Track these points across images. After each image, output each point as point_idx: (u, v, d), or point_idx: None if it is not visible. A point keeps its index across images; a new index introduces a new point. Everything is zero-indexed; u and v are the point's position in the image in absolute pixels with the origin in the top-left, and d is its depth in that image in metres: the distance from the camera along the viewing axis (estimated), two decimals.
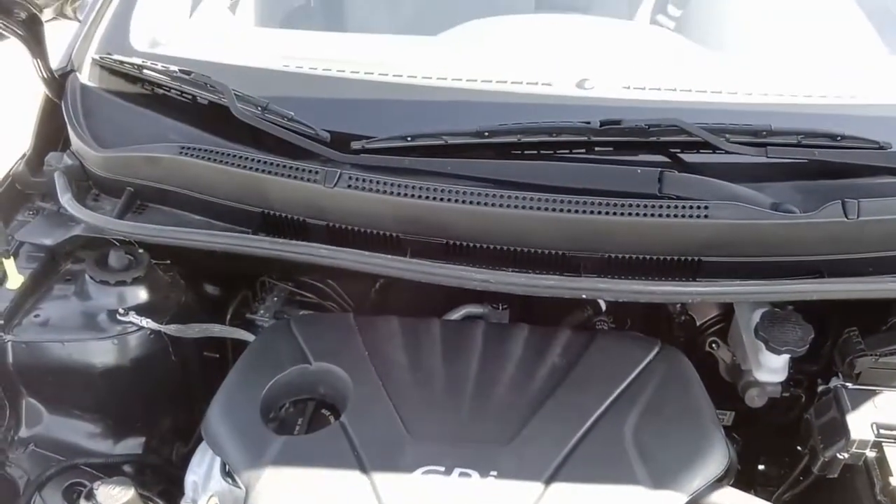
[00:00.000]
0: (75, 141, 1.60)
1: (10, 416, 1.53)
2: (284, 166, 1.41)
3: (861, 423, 1.37)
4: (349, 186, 1.38)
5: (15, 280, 1.54)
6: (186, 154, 1.47)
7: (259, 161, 1.42)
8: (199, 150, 1.46)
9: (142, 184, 1.54)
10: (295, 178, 1.40)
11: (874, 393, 1.41)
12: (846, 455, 1.36)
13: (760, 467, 1.68)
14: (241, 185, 1.44)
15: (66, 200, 1.53)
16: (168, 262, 1.60)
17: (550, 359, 1.40)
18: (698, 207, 1.36)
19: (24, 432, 1.54)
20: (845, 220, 1.34)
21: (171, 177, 1.50)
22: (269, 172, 1.41)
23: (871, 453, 1.36)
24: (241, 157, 1.44)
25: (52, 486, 1.49)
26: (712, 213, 1.35)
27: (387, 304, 1.69)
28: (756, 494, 1.56)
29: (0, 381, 1.51)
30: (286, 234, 1.45)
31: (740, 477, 1.43)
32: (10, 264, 1.54)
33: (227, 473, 1.29)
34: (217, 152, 1.45)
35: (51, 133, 1.72)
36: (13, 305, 1.52)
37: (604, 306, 1.63)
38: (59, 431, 1.54)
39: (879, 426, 1.36)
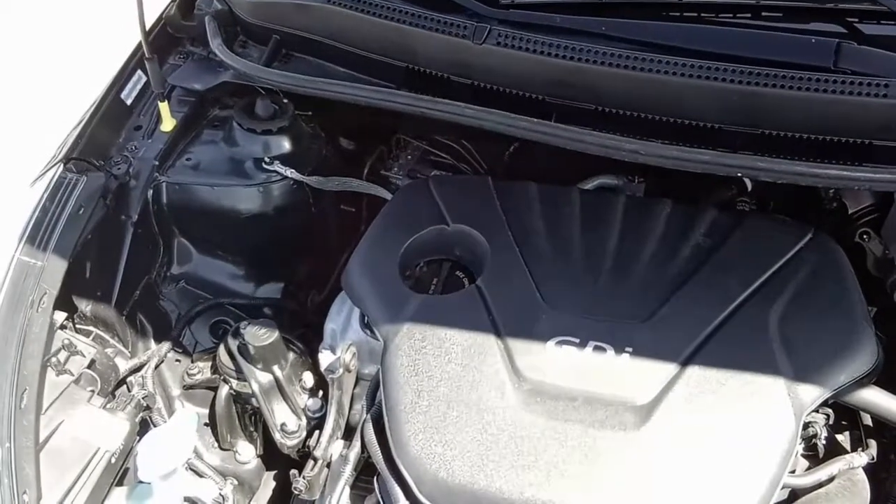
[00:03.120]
0: None
1: (164, 254, 1.51)
2: (432, 19, 1.26)
3: None
4: (498, 43, 1.22)
5: (168, 123, 1.49)
6: (335, 3, 1.33)
7: (407, 13, 1.28)
8: None
9: (289, 31, 1.42)
10: (443, 32, 1.25)
11: None
12: None
13: None
14: (387, 37, 1.31)
15: (217, 46, 1.44)
16: (310, 112, 1.50)
17: (694, 237, 1.24)
18: (877, 85, 1.14)
19: (175, 269, 1.53)
20: None
21: (319, 26, 1.38)
22: (417, 25, 1.26)
23: None
24: (389, 7, 1.29)
25: (200, 321, 1.50)
26: (893, 91, 1.13)
27: (519, 169, 1.56)
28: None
29: (155, 220, 1.48)
30: (430, 90, 1.31)
31: (881, 377, 1.27)
32: (164, 107, 1.48)
33: (366, 325, 1.24)
34: (365, 2, 1.31)
35: None
36: (167, 148, 1.48)
37: (749, 186, 1.44)
38: (206, 271, 1.53)
39: None
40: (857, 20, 1.24)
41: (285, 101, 1.46)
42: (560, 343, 1.11)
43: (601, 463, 1.01)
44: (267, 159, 1.43)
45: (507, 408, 1.06)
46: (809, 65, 1.17)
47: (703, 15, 1.26)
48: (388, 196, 1.44)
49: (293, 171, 1.42)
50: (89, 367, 1.28)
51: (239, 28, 1.51)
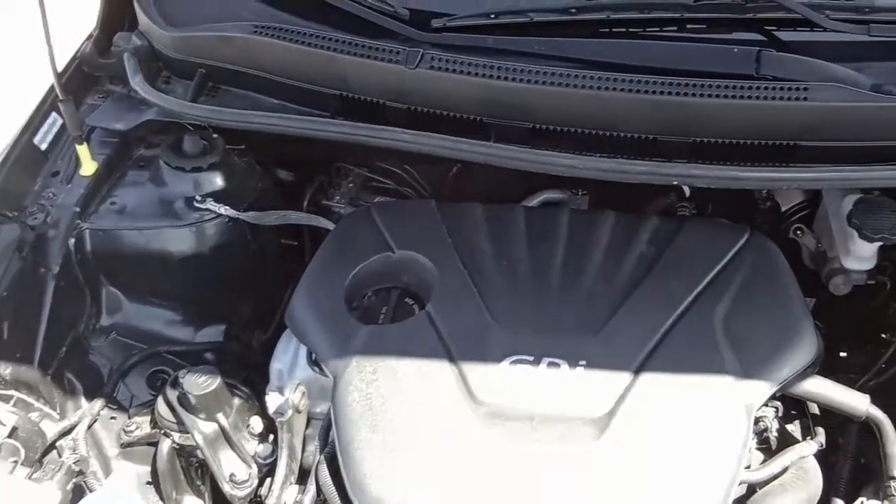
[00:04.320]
0: (143, 20, 1.49)
1: (92, 305, 1.49)
2: (363, 46, 1.30)
3: None
4: (432, 67, 1.27)
5: (89, 166, 1.48)
6: (261, 33, 1.35)
7: (337, 40, 1.31)
8: (274, 29, 1.35)
9: (214, 65, 1.43)
10: (375, 58, 1.29)
11: None
12: None
13: (843, 354, 1.60)
14: (318, 66, 1.34)
15: (137, 83, 1.43)
16: (243, 146, 1.52)
17: (638, 246, 1.32)
18: (797, 89, 1.23)
19: (105, 320, 1.50)
20: None
21: (245, 58, 1.40)
22: (348, 52, 1.30)
23: None
24: (317, 36, 1.32)
25: (135, 373, 1.47)
26: (812, 95, 1.23)
27: (464, 189, 1.60)
28: (838, 381, 1.52)
29: (80, 270, 1.46)
30: (365, 117, 1.35)
31: (822, 364, 1.36)
32: (83, 150, 1.47)
33: (314, 362, 1.25)
34: (292, 31, 1.34)
35: (117, 12, 1.59)
36: (88, 192, 1.46)
37: (687, 192, 1.53)
38: (139, 319, 1.51)
39: None
40: (775, 28, 1.33)
41: (215, 136, 1.47)
42: (514, 362, 1.16)
43: (564, 479, 1.06)
44: (198, 197, 1.43)
45: (465, 434, 1.09)
46: (734, 73, 1.26)
47: (631, 30, 1.34)
48: (331, 226, 1.46)
49: (227, 207, 1.42)
50: (10, 435, 1.24)
51: (161, 63, 1.52)
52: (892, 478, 1.22)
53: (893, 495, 1.20)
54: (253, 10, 1.42)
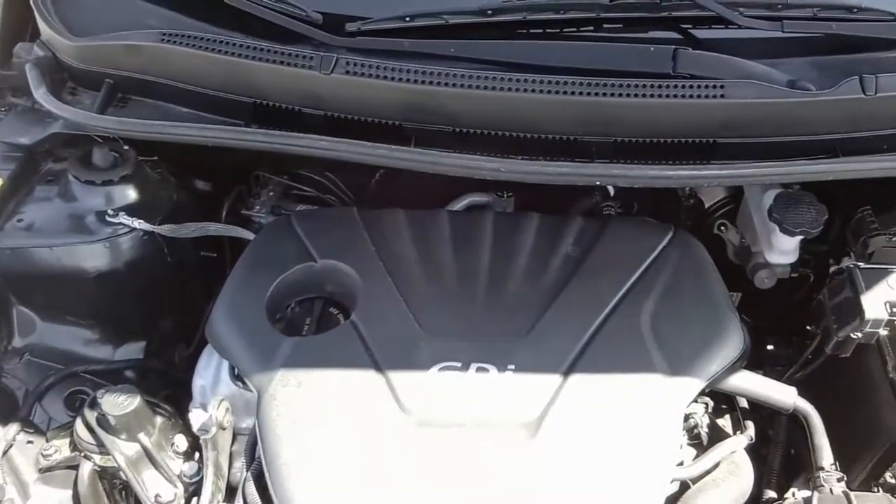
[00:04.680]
0: (45, 29, 1.43)
1: (3, 326, 1.44)
2: (276, 52, 1.27)
3: (875, 302, 1.32)
4: (347, 72, 1.25)
5: None
6: (169, 41, 1.31)
7: (248, 47, 1.28)
8: (182, 36, 1.31)
9: (122, 75, 1.39)
10: (288, 64, 1.26)
11: (887, 272, 1.36)
12: (860, 335, 1.32)
13: (770, 347, 1.64)
14: (229, 73, 1.30)
15: (41, 95, 1.38)
16: (155, 158, 1.48)
17: (563, 248, 1.32)
18: (714, 87, 1.25)
19: (17, 342, 1.45)
20: (863, 96, 1.25)
21: (154, 66, 1.36)
22: (260, 59, 1.27)
23: (883, 332, 1.32)
24: (228, 42, 1.29)
25: (52, 395, 1.42)
26: (728, 92, 1.25)
27: (387, 195, 1.59)
28: (766, 374, 1.55)
29: None
30: (281, 124, 1.32)
31: (750, 358, 1.39)
32: None
33: (237, 377, 1.23)
34: (202, 38, 1.30)
35: (17, 21, 1.54)
36: None
37: (612, 191, 1.54)
38: (54, 339, 1.46)
39: (892, 305, 1.32)
40: (691, 26, 1.36)
41: (126, 147, 1.43)
42: (442, 369, 1.15)
43: (497, 484, 1.06)
44: (110, 211, 1.39)
45: (395, 444, 1.08)
46: (651, 72, 1.28)
47: (548, 31, 1.34)
48: (251, 237, 1.43)
49: (141, 221, 1.38)
50: None
51: (66, 74, 1.46)
52: (821, 468, 1.25)
53: (823, 486, 1.23)
54: (161, 17, 1.39)
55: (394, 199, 1.50)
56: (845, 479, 1.24)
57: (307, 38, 1.31)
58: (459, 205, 1.53)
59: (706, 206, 1.62)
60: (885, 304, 1.32)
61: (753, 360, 1.54)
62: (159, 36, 1.33)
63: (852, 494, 1.18)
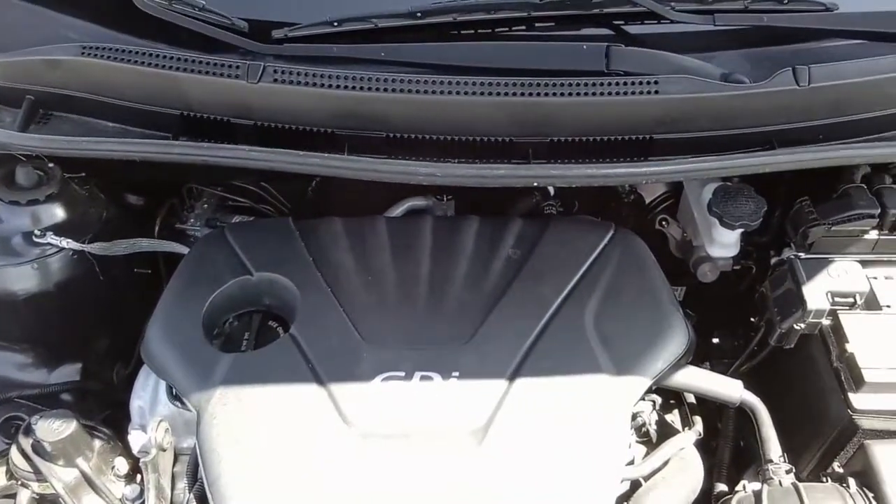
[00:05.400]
0: None
1: None
2: (201, 62, 1.24)
3: (816, 292, 1.33)
4: (275, 80, 1.22)
5: None
6: (89, 54, 1.28)
7: (172, 58, 1.25)
8: (103, 49, 1.27)
9: (43, 90, 1.34)
10: (213, 74, 1.23)
11: (827, 262, 1.38)
12: (803, 325, 1.34)
13: (715, 340, 1.65)
14: (154, 85, 1.27)
15: None
16: (83, 174, 1.43)
17: (504, 250, 1.32)
18: (648, 83, 1.25)
19: None
20: (796, 87, 1.26)
21: (75, 81, 1.31)
22: (185, 70, 1.24)
23: (826, 321, 1.33)
24: (151, 54, 1.26)
25: None
26: (662, 87, 1.25)
27: (326, 202, 1.57)
28: (712, 368, 1.56)
29: None
30: (210, 136, 1.29)
31: (696, 352, 1.40)
32: None
33: (175, 397, 1.20)
34: (123, 51, 1.27)
35: None
36: None
37: (552, 190, 1.54)
38: None
39: (834, 294, 1.33)
40: (623, 22, 1.36)
41: (51, 165, 1.39)
42: (386, 379, 1.14)
43: (444, 494, 1.05)
44: (37, 232, 1.35)
45: (340, 459, 1.07)
46: (585, 70, 1.27)
47: (480, 32, 1.33)
48: (185, 251, 1.41)
49: (70, 240, 1.35)
50: None
51: None
52: (770, 461, 1.27)
53: (772, 478, 1.24)
54: (80, 29, 1.34)
55: (333, 206, 1.48)
56: (794, 470, 1.25)
57: (234, 47, 1.28)
58: (399, 209, 1.52)
59: (647, 201, 1.63)
60: (827, 294, 1.33)
61: (700, 354, 1.55)
62: (79, 49, 1.29)
63: (801, 486, 1.19)
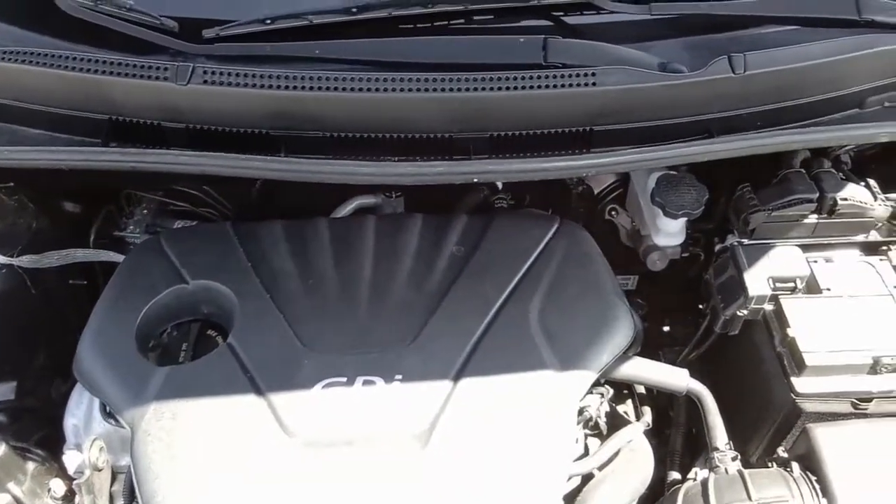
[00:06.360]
0: None
1: None
2: (126, 65, 1.17)
3: (757, 278, 1.32)
4: (205, 82, 1.16)
5: None
6: (7, 59, 1.20)
7: (95, 61, 1.18)
8: (23, 53, 1.20)
9: None
10: (141, 77, 1.17)
11: (769, 247, 1.37)
12: (745, 311, 1.32)
13: (665, 329, 1.64)
14: (79, 90, 1.20)
15: None
16: (11, 184, 1.36)
17: (447, 248, 1.28)
18: (585, 75, 1.22)
19: None
20: (732, 75, 1.24)
21: None
22: (109, 73, 1.17)
23: (768, 307, 1.32)
24: (73, 58, 1.18)
25: None
26: (600, 79, 1.22)
27: (271, 204, 1.51)
28: (664, 356, 1.54)
29: None
30: (142, 140, 1.23)
31: (647, 340, 1.38)
32: None
33: (109, 414, 1.14)
34: (45, 55, 1.19)
35: None
36: None
37: (500, 185, 1.50)
38: None
39: (775, 279, 1.32)
40: (562, 14, 1.33)
41: None
42: (327, 386, 1.09)
43: (390, 500, 1.01)
44: None
45: (281, 470, 1.02)
46: (523, 63, 1.23)
47: (418, 26, 1.29)
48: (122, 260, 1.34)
49: None
50: None
51: None
52: (716, 449, 1.25)
53: (718, 466, 1.23)
54: (2, 33, 1.26)
55: (279, 208, 1.43)
56: (739, 457, 1.24)
57: (164, 47, 1.22)
58: (347, 208, 1.47)
59: (596, 192, 1.60)
60: (768, 280, 1.32)
61: (651, 342, 1.54)
62: None
63: (746, 472, 1.18)
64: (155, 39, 1.21)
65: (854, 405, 1.22)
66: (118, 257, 1.36)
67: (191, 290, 1.20)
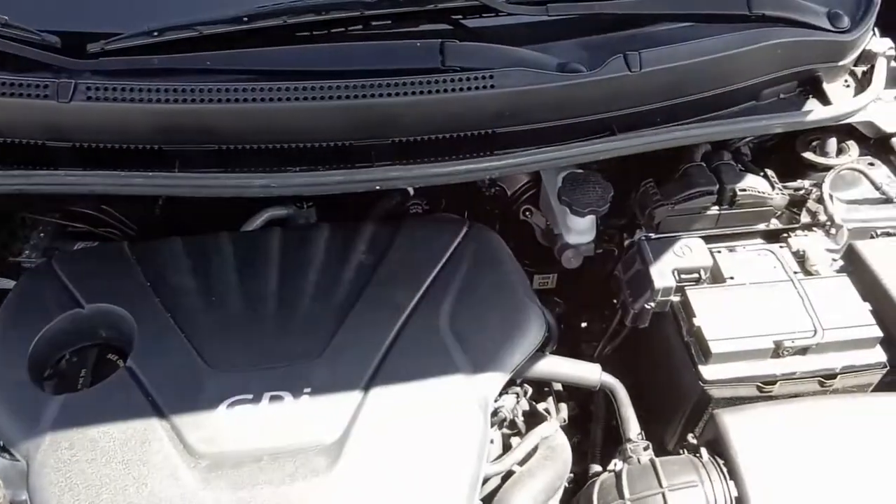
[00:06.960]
0: None
1: None
2: (4, 83, 1.11)
3: (663, 271, 1.33)
4: (88, 98, 1.11)
5: None
6: None
7: None
8: None
9: None
10: (20, 95, 1.11)
11: (674, 240, 1.37)
12: (653, 304, 1.33)
13: (584, 324, 1.64)
14: None
15: None
16: None
17: (355, 257, 1.25)
18: (483, 77, 1.21)
19: None
20: (629, 73, 1.25)
21: None
22: None
23: (675, 298, 1.33)
24: None
25: None
26: (498, 81, 1.21)
27: (177, 221, 1.45)
28: (582, 352, 1.54)
29: None
30: (25, 162, 1.17)
31: (567, 338, 1.37)
32: None
33: (2, 448, 1.08)
34: None
35: None
36: None
37: (412, 190, 1.48)
38: None
39: (680, 271, 1.33)
40: (460, 17, 1.31)
41: None
42: (232, 405, 1.06)
43: None
44: None
45: (184, 495, 0.98)
46: (421, 68, 1.21)
47: (314, 34, 1.25)
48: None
49: None
50: None
51: None
52: (629, 440, 1.26)
53: (631, 456, 1.23)
54: None
55: (185, 224, 1.37)
56: (651, 446, 1.24)
57: (46, 64, 1.15)
58: (257, 221, 1.42)
59: (509, 193, 1.59)
60: (674, 272, 1.33)
61: (570, 339, 1.53)
62: None
63: (658, 461, 1.18)
64: (36, 56, 1.14)
65: (759, 388, 1.24)
66: (7, 283, 1.29)
67: (86, 314, 1.14)
